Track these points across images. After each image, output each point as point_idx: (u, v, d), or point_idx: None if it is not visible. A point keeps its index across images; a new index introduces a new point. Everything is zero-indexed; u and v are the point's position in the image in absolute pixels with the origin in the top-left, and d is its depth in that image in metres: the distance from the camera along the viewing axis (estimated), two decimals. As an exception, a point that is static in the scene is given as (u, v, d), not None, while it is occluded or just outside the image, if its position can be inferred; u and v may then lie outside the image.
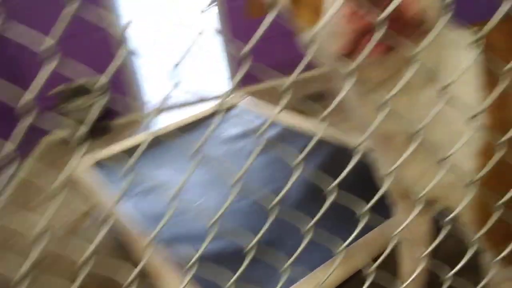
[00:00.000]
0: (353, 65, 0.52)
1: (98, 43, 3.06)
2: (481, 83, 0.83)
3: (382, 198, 0.64)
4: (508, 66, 0.61)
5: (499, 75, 0.84)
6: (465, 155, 0.81)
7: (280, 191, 0.59)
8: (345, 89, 0.54)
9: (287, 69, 3.14)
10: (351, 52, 0.61)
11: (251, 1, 0.81)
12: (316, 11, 0.68)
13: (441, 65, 0.80)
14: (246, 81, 3.36)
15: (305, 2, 0.71)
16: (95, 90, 3.00)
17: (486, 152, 0.81)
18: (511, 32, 0.92)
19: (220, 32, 2.81)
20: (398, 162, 0.60)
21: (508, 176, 0.83)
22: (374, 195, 0.62)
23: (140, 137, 2.36)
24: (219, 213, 0.55)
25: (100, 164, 2.15)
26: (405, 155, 0.60)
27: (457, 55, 0.82)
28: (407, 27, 0.57)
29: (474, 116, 0.61)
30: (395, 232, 0.63)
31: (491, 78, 0.84)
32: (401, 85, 0.56)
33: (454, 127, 0.81)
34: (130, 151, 2.20)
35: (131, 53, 0.47)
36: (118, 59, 0.47)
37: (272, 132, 2.15)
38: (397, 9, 0.52)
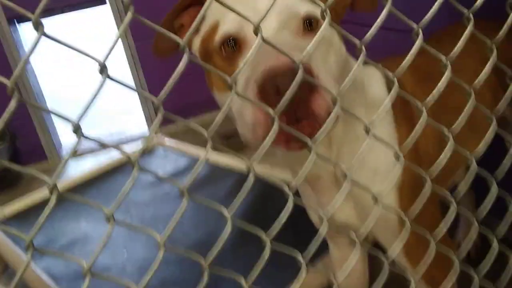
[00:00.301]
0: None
1: None
2: (392, 117, 0.86)
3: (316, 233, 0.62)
4: (422, 104, 0.62)
5: (407, 106, 0.89)
6: (388, 190, 0.83)
7: (214, 235, 0.55)
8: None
9: (207, 106, 3.17)
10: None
11: (158, 42, 0.83)
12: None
13: (357, 99, 0.82)
14: (164, 122, 3.28)
15: (217, 67, 0.73)
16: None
17: (406, 186, 0.83)
18: (411, 67, 0.98)
19: (131, 87, 2.73)
20: (333, 208, 0.58)
21: (425, 205, 0.86)
22: (307, 231, 0.59)
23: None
24: (149, 273, 0.49)
25: (6, 221, 1.92)
26: (339, 197, 0.58)
27: (370, 86, 0.85)
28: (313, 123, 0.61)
29: (398, 154, 0.62)
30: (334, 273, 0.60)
31: (401, 112, 0.88)
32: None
33: (373, 160, 0.83)
34: (40, 205, 1.99)
35: (22, 100, 0.41)
36: (7, 114, 0.40)
37: (200, 174, 2.09)
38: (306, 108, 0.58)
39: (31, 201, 2.05)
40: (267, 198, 1.72)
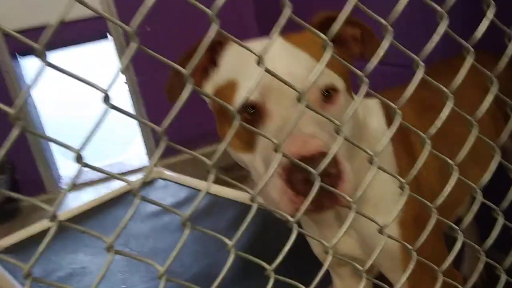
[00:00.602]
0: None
1: None
2: (392, 149, 0.87)
3: (320, 264, 0.61)
4: (425, 136, 0.62)
5: (407, 140, 0.89)
6: (389, 221, 0.82)
7: (214, 267, 0.53)
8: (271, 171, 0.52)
9: (208, 138, 3.20)
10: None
11: (171, 86, 0.80)
12: (247, 144, 0.71)
13: (360, 133, 0.83)
14: (164, 154, 3.28)
15: (238, 132, 0.72)
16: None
17: (408, 218, 0.83)
18: (411, 100, 0.99)
19: (134, 116, 2.76)
20: (335, 240, 0.57)
21: (429, 237, 0.85)
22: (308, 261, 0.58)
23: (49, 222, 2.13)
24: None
25: (6, 253, 1.89)
26: (342, 230, 0.57)
27: (370, 121, 0.86)
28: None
29: (403, 185, 0.61)
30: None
31: (401, 145, 0.88)
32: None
33: (374, 194, 0.83)
34: (40, 236, 1.97)
35: (25, 130, 0.41)
36: (10, 142, 0.40)
37: (200, 205, 2.07)
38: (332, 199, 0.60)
39: (29, 233, 2.02)
40: (268, 229, 1.70)
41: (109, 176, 2.67)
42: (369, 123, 0.87)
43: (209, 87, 0.79)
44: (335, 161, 0.59)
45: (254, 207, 0.52)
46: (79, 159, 0.45)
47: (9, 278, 1.67)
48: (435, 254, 0.75)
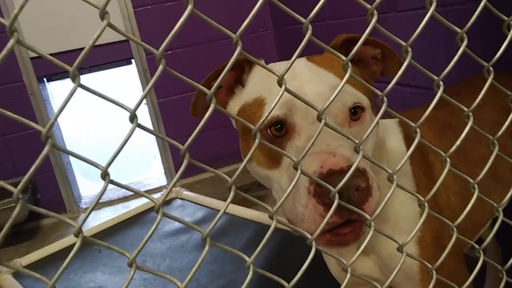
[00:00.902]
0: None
1: (23, 141, 2.94)
2: (410, 169, 0.87)
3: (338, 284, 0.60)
4: (448, 153, 0.62)
5: (426, 161, 0.89)
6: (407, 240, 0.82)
7: (231, 287, 0.53)
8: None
9: (225, 160, 3.22)
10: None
11: (195, 102, 0.85)
12: (274, 160, 0.71)
13: (380, 152, 0.83)
14: (182, 175, 3.32)
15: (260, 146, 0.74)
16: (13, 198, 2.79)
17: (427, 238, 0.82)
18: (429, 120, 0.99)
19: (159, 135, 2.82)
20: (354, 259, 0.57)
21: (448, 258, 0.84)
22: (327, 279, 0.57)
23: (69, 239, 2.16)
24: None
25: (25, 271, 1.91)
26: (360, 248, 0.57)
27: (389, 141, 0.87)
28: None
29: (422, 203, 0.61)
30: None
31: (419, 166, 0.88)
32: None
33: (394, 213, 0.83)
34: (59, 255, 1.99)
35: (55, 147, 0.43)
36: (37, 162, 0.42)
37: (217, 224, 2.07)
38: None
39: (48, 252, 2.05)
40: (285, 249, 1.69)
41: (128, 196, 2.69)
42: (388, 143, 0.87)
43: (235, 105, 0.81)
44: (364, 176, 0.59)
45: (273, 224, 0.53)
46: (105, 176, 0.47)
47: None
48: (455, 275, 0.74)
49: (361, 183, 0.58)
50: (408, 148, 0.88)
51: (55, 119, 0.44)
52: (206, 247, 0.52)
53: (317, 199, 0.59)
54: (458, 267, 0.86)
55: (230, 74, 0.80)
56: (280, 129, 0.70)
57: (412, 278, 0.83)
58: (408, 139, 0.89)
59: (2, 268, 1.91)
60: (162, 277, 0.54)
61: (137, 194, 3.23)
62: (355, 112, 0.71)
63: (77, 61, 0.43)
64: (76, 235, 0.47)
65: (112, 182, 0.47)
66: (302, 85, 0.70)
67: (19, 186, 0.42)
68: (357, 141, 0.54)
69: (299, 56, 0.50)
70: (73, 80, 0.44)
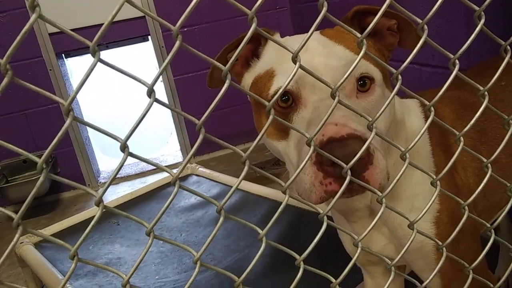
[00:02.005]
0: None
1: (42, 116, 3.00)
2: (430, 149, 0.86)
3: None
4: (461, 132, 0.62)
5: (446, 141, 0.88)
6: (425, 221, 0.82)
7: (244, 261, 0.55)
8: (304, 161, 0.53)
9: (239, 138, 3.24)
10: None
11: (211, 74, 0.87)
12: (282, 131, 0.73)
13: (397, 130, 0.83)
14: (197, 151, 3.37)
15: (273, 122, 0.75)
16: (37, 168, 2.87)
17: (444, 218, 0.82)
18: (452, 101, 0.98)
19: (175, 109, 2.84)
20: (365, 233, 0.58)
21: (464, 238, 0.84)
22: (341, 257, 0.59)
23: (89, 212, 2.23)
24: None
25: (46, 242, 1.98)
26: (369, 228, 0.58)
27: (409, 121, 0.86)
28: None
29: (435, 181, 0.62)
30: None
31: (439, 146, 0.88)
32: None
33: (410, 192, 0.83)
34: (79, 227, 2.06)
35: (76, 119, 0.45)
36: (60, 133, 0.43)
37: (231, 200, 2.10)
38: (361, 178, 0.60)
39: (68, 224, 2.11)
40: (298, 226, 1.72)
41: (145, 172, 2.73)
42: (408, 122, 0.87)
43: (249, 77, 0.83)
44: (364, 144, 0.58)
45: (286, 198, 0.54)
46: (124, 148, 0.48)
47: (49, 267, 1.75)
48: (470, 255, 0.74)
49: (363, 153, 0.57)
50: (428, 128, 0.88)
51: (77, 92, 0.46)
52: (221, 219, 0.54)
53: (317, 167, 0.60)
54: (473, 247, 0.86)
55: (247, 47, 0.81)
56: (287, 100, 0.71)
57: (427, 256, 0.84)
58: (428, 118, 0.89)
59: (24, 238, 1.98)
60: (178, 246, 0.56)
61: (153, 170, 3.27)
62: (364, 83, 0.71)
63: (97, 36, 0.44)
64: (97, 204, 0.49)
65: (131, 154, 0.49)
66: (312, 58, 0.70)
67: (43, 156, 0.44)
68: (370, 119, 0.55)
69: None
70: (93, 55, 0.45)
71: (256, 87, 0.79)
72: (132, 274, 0.51)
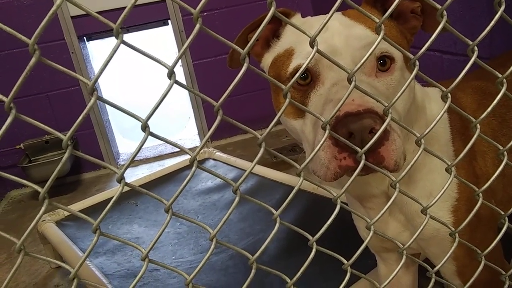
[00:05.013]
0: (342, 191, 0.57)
1: (64, 98, 3.06)
2: (450, 138, 0.86)
3: (365, 248, 0.62)
4: (478, 119, 0.62)
5: (467, 130, 0.88)
6: (442, 209, 0.82)
7: (259, 245, 0.56)
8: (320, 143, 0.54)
9: (256, 124, 3.26)
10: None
11: (232, 55, 0.88)
12: (297, 110, 0.73)
13: (417, 117, 0.83)
14: (215, 136, 3.40)
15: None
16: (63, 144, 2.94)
17: (462, 206, 0.82)
18: (474, 91, 0.97)
19: (194, 91, 2.86)
20: (378, 217, 0.59)
21: (481, 227, 0.84)
22: (355, 243, 0.60)
23: (109, 192, 2.28)
24: (197, 269, 0.52)
25: (67, 221, 2.05)
26: (383, 211, 0.59)
27: (429, 108, 0.86)
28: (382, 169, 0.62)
29: (449, 167, 0.62)
30: (383, 285, 0.60)
31: (460, 135, 0.87)
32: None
33: (427, 179, 0.83)
34: (99, 206, 2.11)
35: (100, 99, 0.46)
36: (84, 112, 0.45)
37: (248, 185, 2.13)
38: (376, 156, 0.60)
39: (88, 204, 2.18)
40: (312, 213, 1.73)
41: (163, 155, 2.77)
42: (428, 110, 0.86)
43: (269, 57, 0.83)
44: (380, 120, 0.58)
45: (300, 180, 0.55)
46: (145, 128, 0.50)
47: (69, 244, 1.81)
48: (486, 244, 0.74)
49: (376, 126, 0.57)
50: (449, 117, 0.87)
51: (101, 72, 0.47)
52: (237, 198, 0.56)
53: (332, 141, 0.60)
54: (489, 236, 0.86)
55: (267, 27, 0.81)
56: (306, 78, 0.71)
57: (442, 244, 0.84)
58: (450, 107, 0.88)
59: (46, 217, 2.05)
60: (196, 223, 0.58)
61: (171, 154, 3.31)
62: (384, 62, 0.71)
63: (120, 18, 0.46)
64: (119, 181, 0.51)
65: (152, 134, 0.51)
66: (332, 37, 0.70)
67: (68, 133, 0.46)
68: (386, 104, 0.55)
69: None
70: (117, 37, 0.46)
71: (275, 66, 0.79)
72: (152, 248, 0.53)
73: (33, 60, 0.43)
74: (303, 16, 0.84)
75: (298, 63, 0.72)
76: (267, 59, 0.84)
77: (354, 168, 0.59)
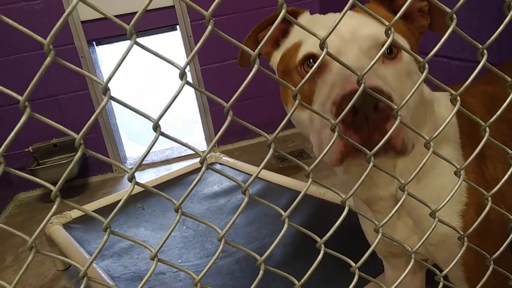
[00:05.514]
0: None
1: (73, 102, 3.09)
2: (459, 142, 0.86)
3: (372, 253, 0.62)
4: (487, 123, 0.62)
5: (477, 134, 0.87)
6: (451, 213, 0.82)
7: (265, 249, 0.56)
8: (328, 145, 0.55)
9: (263, 129, 3.25)
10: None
11: (242, 54, 0.90)
12: (307, 98, 0.73)
13: (426, 121, 0.83)
14: (222, 141, 3.42)
15: (295, 85, 0.75)
16: (74, 147, 2.97)
17: (471, 211, 0.82)
18: (484, 96, 0.97)
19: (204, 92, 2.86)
20: (386, 219, 0.59)
21: (491, 233, 0.83)
22: (362, 248, 0.60)
23: (116, 196, 2.29)
24: (206, 267, 0.52)
25: (74, 223, 2.06)
26: (394, 211, 0.59)
27: (438, 111, 0.86)
28: (390, 149, 0.62)
29: (458, 171, 0.62)
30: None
31: (469, 139, 0.87)
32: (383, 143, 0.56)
33: (437, 183, 0.83)
34: (106, 210, 2.12)
35: (113, 98, 0.47)
36: (98, 111, 0.46)
37: (254, 189, 2.13)
38: (382, 132, 0.59)
39: (95, 207, 2.19)
40: (320, 218, 1.73)
41: (170, 159, 2.77)
42: (437, 113, 0.86)
43: (278, 54, 0.84)
44: (385, 96, 0.58)
45: (309, 181, 0.55)
46: (156, 127, 0.51)
47: (76, 246, 1.82)
48: (496, 250, 0.74)
49: (380, 103, 0.57)
50: (458, 120, 0.87)
51: (114, 73, 0.48)
52: (246, 199, 0.56)
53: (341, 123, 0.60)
54: (499, 242, 0.85)
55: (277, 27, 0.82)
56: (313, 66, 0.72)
57: (451, 250, 0.83)
58: (459, 112, 0.88)
59: (54, 219, 2.06)
60: (205, 223, 0.58)
61: (178, 158, 3.31)
62: (390, 51, 0.71)
63: (134, 20, 0.47)
64: (130, 180, 0.52)
65: (163, 134, 0.51)
66: (339, 28, 0.71)
67: (81, 132, 0.47)
68: (395, 107, 0.56)
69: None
70: (130, 38, 0.47)
71: (284, 60, 0.80)
72: (161, 247, 0.54)
73: (48, 59, 0.44)
74: (311, 14, 0.86)
75: (307, 51, 0.73)
76: (276, 57, 0.85)
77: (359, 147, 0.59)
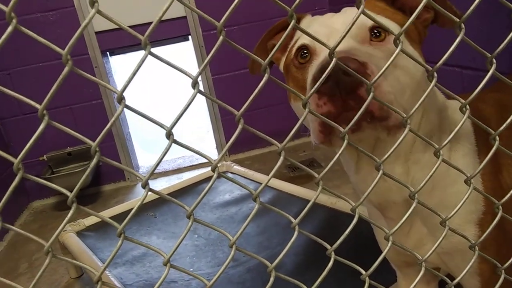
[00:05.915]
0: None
1: (87, 111, 3.14)
2: (476, 150, 0.86)
3: (385, 262, 0.62)
4: (497, 131, 0.62)
5: (490, 141, 0.87)
6: (468, 221, 0.81)
7: (275, 258, 0.57)
8: (338, 154, 0.55)
9: (274, 138, 3.27)
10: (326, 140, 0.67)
11: (253, 62, 0.93)
12: (302, 88, 0.76)
13: (441, 126, 0.83)
14: (232, 150, 3.43)
15: (293, 77, 0.78)
16: (88, 155, 3.01)
17: (488, 220, 0.81)
18: (496, 103, 0.97)
19: (216, 101, 2.88)
20: (397, 227, 0.59)
21: (508, 242, 0.82)
22: (375, 256, 0.60)
23: (128, 204, 2.32)
24: (218, 273, 0.53)
25: (87, 231, 2.08)
26: (404, 218, 0.59)
27: (454, 118, 0.86)
28: (372, 118, 0.63)
29: (469, 178, 0.62)
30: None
31: (486, 147, 0.87)
32: (394, 148, 0.57)
33: (452, 191, 0.82)
34: (118, 218, 2.14)
35: (127, 107, 0.48)
36: (113, 118, 0.47)
37: (265, 198, 2.14)
38: (355, 98, 0.60)
39: (108, 215, 2.21)
40: (330, 228, 1.72)
41: (181, 168, 2.80)
42: (454, 121, 0.86)
43: (285, 56, 0.88)
44: (356, 61, 0.59)
45: (319, 189, 0.56)
46: (169, 135, 0.52)
47: (90, 254, 1.84)
48: (508, 256, 0.73)
49: (350, 63, 0.57)
50: (474, 129, 0.87)
51: (129, 82, 0.50)
52: (256, 206, 0.57)
53: (318, 95, 0.62)
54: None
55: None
56: (306, 56, 0.76)
57: (468, 259, 0.82)
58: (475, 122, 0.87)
59: (67, 227, 2.08)
60: (216, 230, 0.59)
61: (189, 167, 3.33)
62: (378, 33, 0.72)
63: (148, 30, 0.48)
64: (143, 187, 0.53)
65: (176, 141, 0.53)
66: (333, 23, 0.76)
67: (97, 139, 0.48)
68: (404, 115, 0.56)
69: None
70: (145, 48, 0.49)
71: (286, 58, 0.85)
72: (174, 252, 0.55)
73: (66, 69, 0.45)
74: (319, 8, 0.90)
75: (301, 42, 0.78)
76: (283, 60, 0.88)
77: (335, 114, 0.60)
